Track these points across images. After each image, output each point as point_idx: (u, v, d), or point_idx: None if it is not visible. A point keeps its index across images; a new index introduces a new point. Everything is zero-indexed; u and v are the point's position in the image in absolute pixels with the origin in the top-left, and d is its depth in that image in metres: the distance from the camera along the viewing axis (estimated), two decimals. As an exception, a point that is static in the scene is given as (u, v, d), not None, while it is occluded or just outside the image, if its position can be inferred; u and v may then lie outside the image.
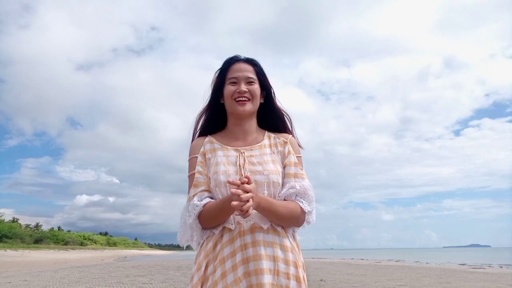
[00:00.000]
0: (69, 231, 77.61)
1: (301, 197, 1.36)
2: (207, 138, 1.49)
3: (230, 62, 1.48)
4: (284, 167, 1.41)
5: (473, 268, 16.40)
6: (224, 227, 1.31)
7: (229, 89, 1.43)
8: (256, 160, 1.38)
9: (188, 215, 1.33)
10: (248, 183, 1.19)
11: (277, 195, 1.35)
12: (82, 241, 68.29)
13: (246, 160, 1.37)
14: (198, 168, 1.41)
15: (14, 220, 58.44)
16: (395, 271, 13.62)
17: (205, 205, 1.32)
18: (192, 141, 1.52)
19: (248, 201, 1.16)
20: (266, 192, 1.32)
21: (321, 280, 10.06)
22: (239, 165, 1.36)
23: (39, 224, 66.46)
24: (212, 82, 1.51)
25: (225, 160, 1.38)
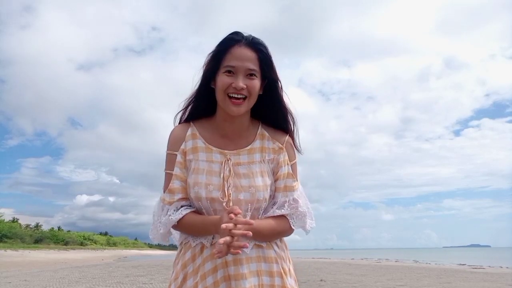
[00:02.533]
0: (69, 231, 77.48)
1: (290, 216, 1.27)
2: (190, 130, 1.30)
3: (229, 44, 1.21)
4: (277, 179, 1.29)
5: (473, 268, 16.38)
6: (202, 244, 1.23)
7: (223, 80, 1.19)
8: (243, 171, 1.23)
9: (159, 226, 1.26)
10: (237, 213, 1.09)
11: (262, 210, 1.26)
12: (82, 241, 68.14)
13: (232, 172, 1.22)
14: (177, 170, 1.26)
15: (14, 220, 58.48)
16: (395, 271, 13.61)
17: (181, 219, 1.22)
18: (174, 126, 1.35)
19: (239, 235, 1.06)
20: (249, 212, 1.22)
21: (321, 280, 10.06)
22: (223, 177, 1.21)
23: (39, 224, 66.57)
24: (205, 64, 1.26)
25: (207, 167, 1.23)
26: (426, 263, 22.03)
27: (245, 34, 1.24)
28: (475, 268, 16.39)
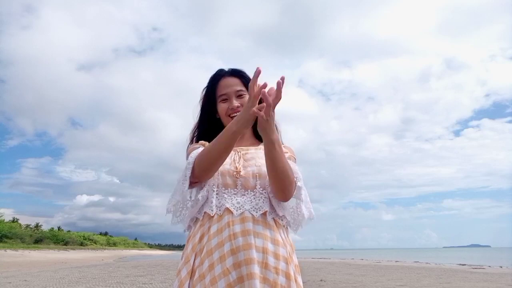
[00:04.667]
0: (69, 231, 77.45)
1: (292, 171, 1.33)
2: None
3: (217, 79, 1.49)
4: None
5: (473, 268, 16.39)
6: (205, 213, 1.29)
7: (221, 107, 1.46)
8: (250, 156, 1.40)
9: (188, 164, 1.29)
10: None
11: (269, 192, 1.32)
12: (82, 241, 68.07)
13: (241, 157, 1.39)
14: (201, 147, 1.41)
15: (14, 220, 58.38)
16: (395, 271, 13.61)
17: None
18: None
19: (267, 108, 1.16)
20: (258, 181, 1.32)
21: (321, 280, 10.07)
22: (233, 159, 1.37)
23: (39, 224, 66.43)
24: (200, 100, 1.53)
25: None
26: (426, 263, 22.02)
27: (225, 69, 1.52)
28: (475, 268, 16.39)
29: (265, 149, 1.25)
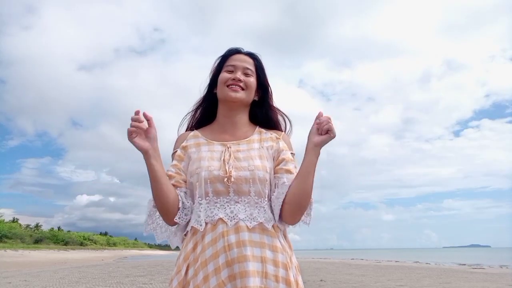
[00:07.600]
0: (69, 231, 77.40)
1: None
2: (192, 133, 1.41)
3: (232, 52, 1.42)
4: (279, 163, 1.31)
5: (473, 268, 16.40)
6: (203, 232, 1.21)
7: (224, 75, 1.36)
8: (243, 155, 1.29)
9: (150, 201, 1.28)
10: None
11: (264, 192, 1.25)
12: (82, 241, 68.04)
13: (232, 156, 1.28)
14: (174, 162, 1.33)
15: (14, 220, 58.51)
16: (395, 271, 13.62)
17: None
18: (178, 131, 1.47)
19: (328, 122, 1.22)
20: (252, 188, 1.23)
21: (321, 280, 10.07)
22: (223, 160, 1.27)
23: (39, 224, 66.42)
24: (211, 71, 1.44)
25: (209, 155, 1.29)
26: (426, 263, 22.01)
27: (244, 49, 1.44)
28: (475, 268, 16.41)
29: (304, 169, 1.22)
